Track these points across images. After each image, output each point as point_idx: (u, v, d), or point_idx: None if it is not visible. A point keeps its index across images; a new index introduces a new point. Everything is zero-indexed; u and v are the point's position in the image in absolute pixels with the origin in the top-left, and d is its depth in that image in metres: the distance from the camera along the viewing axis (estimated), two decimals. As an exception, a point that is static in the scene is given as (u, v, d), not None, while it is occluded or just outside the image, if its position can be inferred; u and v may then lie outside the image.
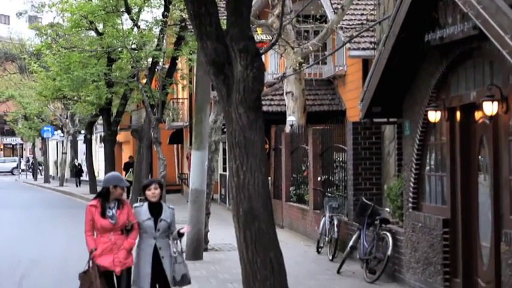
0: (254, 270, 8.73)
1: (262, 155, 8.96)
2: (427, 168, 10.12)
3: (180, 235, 8.32)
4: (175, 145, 36.93)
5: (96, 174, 37.70)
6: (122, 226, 8.12)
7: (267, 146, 20.82)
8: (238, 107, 8.85)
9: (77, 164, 45.19)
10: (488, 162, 8.48)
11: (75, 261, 13.13)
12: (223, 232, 16.66)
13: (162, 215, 8.23)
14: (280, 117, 20.73)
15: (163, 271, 8.16)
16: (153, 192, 8.29)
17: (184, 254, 8.63)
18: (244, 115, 8.85)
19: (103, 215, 8.05)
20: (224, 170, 27.78)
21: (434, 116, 9.43)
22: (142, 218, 8.21)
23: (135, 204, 8.54)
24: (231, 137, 8.93)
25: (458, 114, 9.18)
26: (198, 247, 13.81)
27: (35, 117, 46.44)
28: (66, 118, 44.30)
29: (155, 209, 8.25)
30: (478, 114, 8.79)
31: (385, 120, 11.46)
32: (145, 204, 8.33)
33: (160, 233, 8.19)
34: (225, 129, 9.37)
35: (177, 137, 34.74)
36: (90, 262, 8.02)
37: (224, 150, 27.20)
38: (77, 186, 42.01)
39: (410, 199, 10.37)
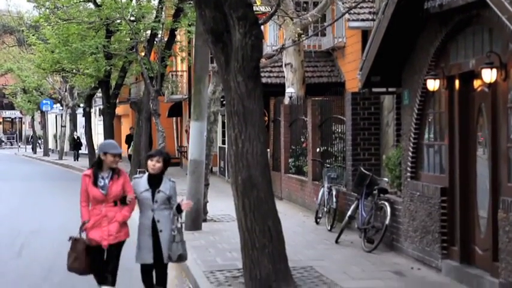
0: (252, 238, 8.77)
1: (260, 123, 8.96)
2: (426, 137, 10.12)
3: (179, 211, 7.91)
4: (174, 118, 36.90)
5: (95, 147, 37.69)
6: (114, 198, 7.68)
7: (266, 118, 20.79)
8: (237, 76, 8.83)
9: (75, 137, 45.02)
10: (486, 130, 8.47)
11: (75, 231, 13.18)
12: (222, 204, 16.73)
13: (161, 187, 7.83)
14: (279, 89, 20.71)
15: (160, 245, 7.79)
16: (153, 164, 7.84)
17: (183, 230, 8.09)
18: (242, 84, 8.84)
19: (95, 184, 7.66)
20: (223, 142, 27.77)
21: (433, 84, 9.41)
22: (140, 190, 7.81)
23: (134, 176, 8.10)
24: (229, 105, 8.92)
25: (457, 82, 9.15)
26: (197, 218, 13.85)
27: (34, 91, 46.31)
28: (65, 91, 44.19)
29: (154, 181, 7.85)
30: (476, 83, 8.77)
31: (384, 90, 11.43)
32: (145, 175, 7.94)
33: (159, 205, 7.78)
34: (224, 101, 9.30)
35: (176, 110, 34.70)
36: (82, 234, 7.72)
37: (223, 123, 27.17)
38: (75, 159, 41.89)
39: (409, 168, 10.38)
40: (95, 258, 7.70)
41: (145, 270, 7.90)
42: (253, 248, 8.75)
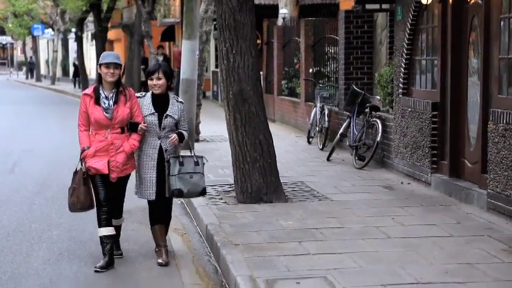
0: (244, 152, 8.82)
1: (252, 37, 8.89)
2: (418, 52, 10.06)
3: (181, 138, 6.73)
4: (167, 43, 36.58)
5: (88, 72, 37.45)
6: (120, 123, 6.50)
7: (259, 40, 20.61)
8: (228, -12, 8.70)
9: (76, 62, 43.61)
10: (478, 43, 8.41)
11: (67, 150, 13.26)
12: (215, 126, 16.78)
13: (168, 110, 6.67)
14: (272, 11, 20.47)
15: (164, 178, 6.70)
16: (155, 84, 6.63)
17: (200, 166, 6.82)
18: (234, -4, 8.71)
19: (97, 105, 6.45)
20: (216, 66, 27.61)
21: (426, -2, 9.30)
22: (143, 113, 6.63)
23: (136, 94, 6.78)
24: (220, 19, 8.83)
25: (450, -5, 9.05)
26: (189, 137, 13.84)
27: (25, 15, 45.70)
28: (56, 15, 43.64)
29: (160, 102, 6.67)
30: (470, -5, 8.68)
31: (377, 7, 11.30)
32: (149, 94, 6.72)
33: (166, 132, 6.66)
34: (216, 23, 9.12)
35: (169, 33, 34.38)
36: (81, 163, 6.54)
37: (216, 47, 26.93)
38: (74, 86, 40.99)
39: (401, 85, 10.36)
40: (95, 189, 6.54)
41: (152, 207, 6.84)
42: (244, 162, 8.81)
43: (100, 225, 6.58)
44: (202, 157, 6.90)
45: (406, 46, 10.13)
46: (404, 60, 10.22)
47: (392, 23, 11.67)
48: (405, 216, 7.84)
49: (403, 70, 10.28)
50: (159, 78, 6.61)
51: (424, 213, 7.95)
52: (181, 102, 6.84)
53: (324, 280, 5.61)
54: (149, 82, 6.67)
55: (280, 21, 19.17)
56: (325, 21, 15.48)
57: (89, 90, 6.59)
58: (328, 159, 12.07)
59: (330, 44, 14.84)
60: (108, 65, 6.49)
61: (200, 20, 14.48)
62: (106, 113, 6.44)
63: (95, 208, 6.63)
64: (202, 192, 6.88)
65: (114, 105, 6.45)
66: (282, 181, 9.08)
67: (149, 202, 6.80)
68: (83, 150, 6.52)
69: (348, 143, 12.03)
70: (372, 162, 11.15)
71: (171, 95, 6.83)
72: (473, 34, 8.65)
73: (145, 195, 6.71)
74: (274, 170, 8.89)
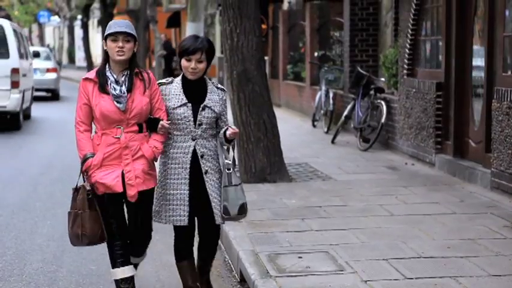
0: (247, 132, 8.83)
1: (256, 16, 8.88)
2: (423, 33, 10.03)
3: (229, 141, 4.72)
4: (173, 29, 36.53)
5: (94, 60, 37.50)
6: (138, 117, 4.63)
7: (265, 25, 20.56)
8: (232, -34, 8.68)
9: None
10: (483, 21, 8.37)
11: (73, 133, 13.32)
12: (220, 109, 16.78)
13: (206, 100, 4.71)
14: (278, -4, 20.39)
15: (206, 195, 4.72)
16: (194, 67, 4.65)
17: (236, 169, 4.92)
18: (237, -26, 8.70)
19: (103, 92, 4.60)
20: (221, 52, 27.56)
21: (431, -23, 9.26)
22: (171, 104, 4.71)
23: (160, 81, 4.83)
24: (224, -2, 8.81)
25: (455, -26, 9.01)
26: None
27: (31, 2, 45.77)
28: (63, 2, 43.66)
29: (194, 90, 4.73)
30: (475, -27, 8.63)
31: (382, -12, 11.26)
32: (178, 80, 4.78)
33: (204, 131, 4.70)
34: (220, 5, 9.08)
35: (175, 20, 34.30)
36: (83, 177, 4.70)
37: (221, 32, 26.87)
38: None
39: (405, 65, 10.34)
40: (104, 216, 4.68)
41: (183, 235, 4.86)
42: (248, 142, 8.82)
43: (114, 265, 4.78)
44: None
45: (411, 27, 10.10)
46: (409, 41, 10.18)
47: (397, 4, 11.62)
48: (408, 195, 7.84)
49: (407, 51, 10.25)
50: (199, 61, 4.65)
51: (427, 192, 7.95)
52: (222, 89, 4.81)
53: (326, 254, 5.62)
54: (184, 62, 4.69)
55: (285, 5, 19.12)
56: (330, 4, 15.45)
57: (91, 74, 4.70)
58: (332, 141, 12.06)
59: (335, 27, 14.80)
60: (115, 37, 4.60)
61: (205, 3, 14.47)
62: (117, 102, 4.56)
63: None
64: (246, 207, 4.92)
65: (127, 92, 4.59)
66: (286, 162, 9.08)
67: (177, 228, 4.83)
68: (84, 159, 4.62)
69: (352, 125, 12.02)
70: (376, 144, 11.14)
71: (208, 79, 4.85)
72: (477, 13, 8.61)
73: (173, 219, 4.73)
74: (278, 150, 8.89)
